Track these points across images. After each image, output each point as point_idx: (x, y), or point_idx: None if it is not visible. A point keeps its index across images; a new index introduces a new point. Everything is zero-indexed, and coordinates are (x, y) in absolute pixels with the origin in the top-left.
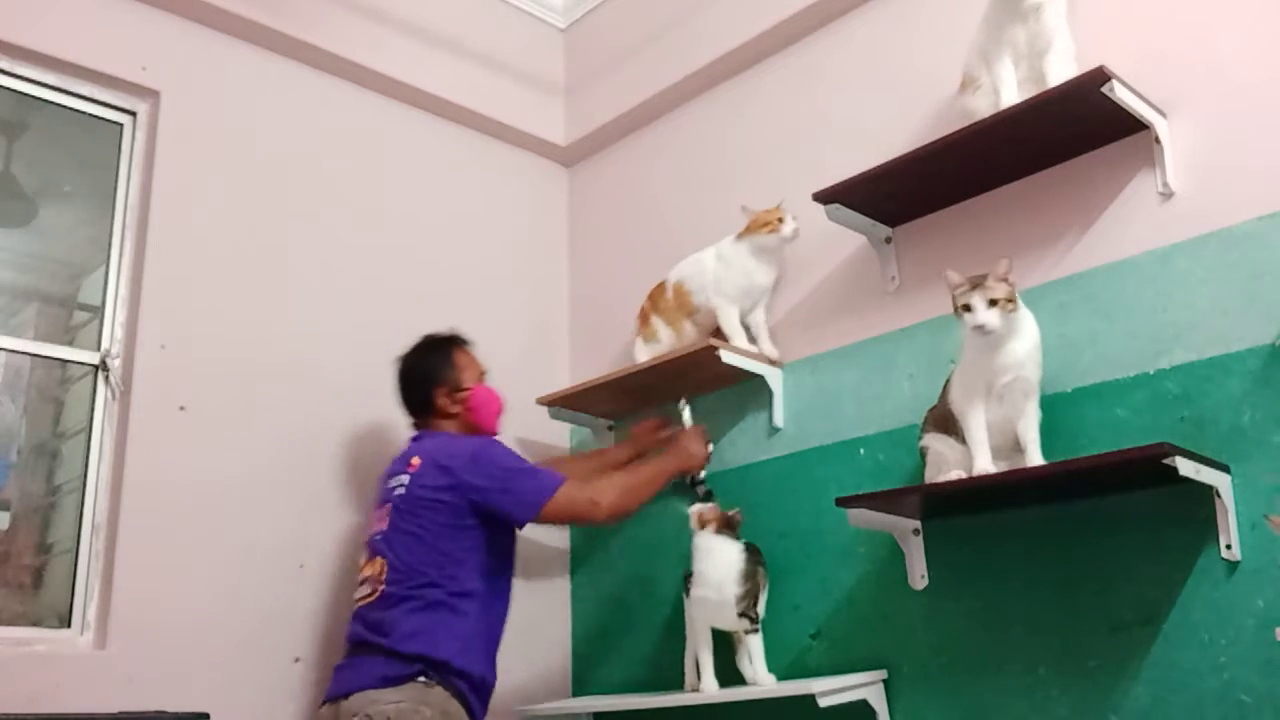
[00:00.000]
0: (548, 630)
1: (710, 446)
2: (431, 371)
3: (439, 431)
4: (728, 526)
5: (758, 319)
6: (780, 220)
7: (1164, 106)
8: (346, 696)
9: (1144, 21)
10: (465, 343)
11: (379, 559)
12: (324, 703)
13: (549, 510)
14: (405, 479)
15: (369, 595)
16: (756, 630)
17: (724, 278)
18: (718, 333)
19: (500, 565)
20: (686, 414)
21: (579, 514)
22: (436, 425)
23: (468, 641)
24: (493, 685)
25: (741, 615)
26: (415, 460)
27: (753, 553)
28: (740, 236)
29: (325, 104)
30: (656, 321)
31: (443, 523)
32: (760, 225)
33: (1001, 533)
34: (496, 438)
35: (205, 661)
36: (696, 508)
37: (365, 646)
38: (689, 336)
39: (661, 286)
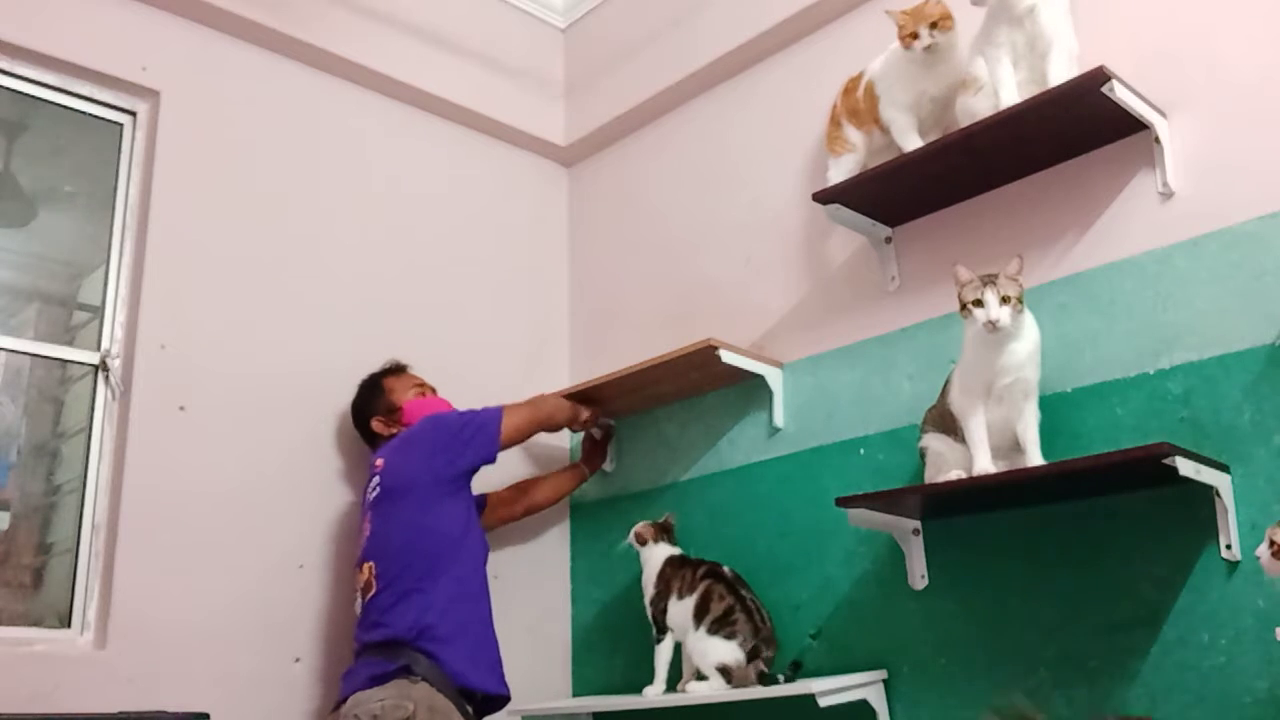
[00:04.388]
0: (548, 630)
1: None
2: (366, 405)
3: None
4: (664, 533)
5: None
6: (913, 35)
7: (1164, 106)
8: (345, 701)
9: (1144, 21)
10: (398, 369)
11: (366, 563)
12: (332, 710)
13: (504, 436)
14: (376, 479)
15: (362, 603)
16: (659, 639)
17: (893, 84)
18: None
19: (467, 528)
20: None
21: (530, 423)
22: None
23: (449, 605)
24: (485, 692)
25: (652, 619)
26: (379, 462)
27: (679, 561)
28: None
29: (325, 104)
30: (848, 127)
31: (418, 498)
32: (900, 34)
33: (1001, 533)
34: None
35: (205, 661)
36: (635, 528)
37: (364, 649)
38: (878, 144)
39: (855, 81)
